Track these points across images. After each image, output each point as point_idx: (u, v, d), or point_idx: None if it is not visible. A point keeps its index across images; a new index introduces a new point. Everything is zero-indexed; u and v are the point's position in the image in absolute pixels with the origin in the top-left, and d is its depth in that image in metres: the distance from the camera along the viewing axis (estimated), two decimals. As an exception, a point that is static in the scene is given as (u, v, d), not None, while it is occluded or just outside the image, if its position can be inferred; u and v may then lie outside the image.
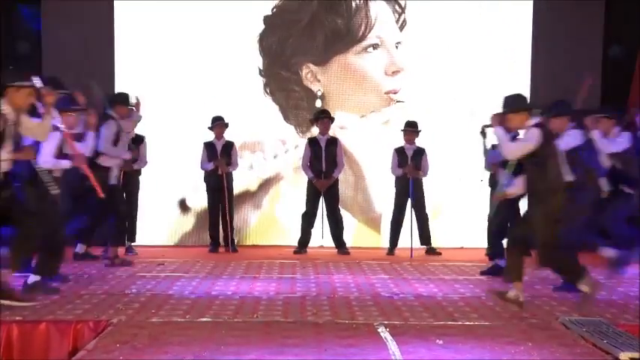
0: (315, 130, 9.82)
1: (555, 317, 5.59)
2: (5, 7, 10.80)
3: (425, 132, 9.57)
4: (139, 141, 9.19)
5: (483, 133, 7.58)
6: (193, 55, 10.23)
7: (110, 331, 5.02)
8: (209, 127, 9.50)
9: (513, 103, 5.97)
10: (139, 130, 9.09)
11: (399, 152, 9.49)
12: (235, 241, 9.75)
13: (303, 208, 9.63)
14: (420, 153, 9.47)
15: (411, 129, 9.42)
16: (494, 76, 10.23)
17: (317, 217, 9.63)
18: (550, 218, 5.78)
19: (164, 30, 10.27)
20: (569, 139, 6.71)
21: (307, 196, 9.57)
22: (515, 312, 5.80)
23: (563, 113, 6.81)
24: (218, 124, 9.45)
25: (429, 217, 9.61)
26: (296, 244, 9.62)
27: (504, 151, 6.05)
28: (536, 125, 5.84)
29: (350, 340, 4.80)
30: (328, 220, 9.58)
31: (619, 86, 10.26)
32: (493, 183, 8.19)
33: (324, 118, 9.56)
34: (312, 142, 9.58)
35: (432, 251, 9.46)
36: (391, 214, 9.59)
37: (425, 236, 9.50)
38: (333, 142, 9.57)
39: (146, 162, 9.33)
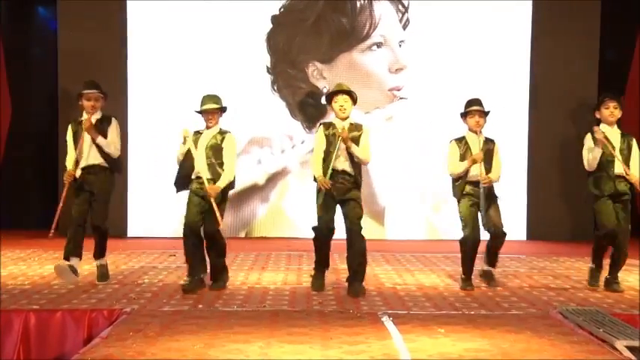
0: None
1: (553, 307, 5.56)
2: (24, 9, 10.81)
3: (427, 128, 9.53)
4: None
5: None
6: (203, 53, 10.20)
7: (123, 319, 5.01)
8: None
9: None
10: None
11: (461, 143, 6.37)
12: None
13: (310, 201, 9.49)
14: (489, 143, 6.33)
15: (479, 108, 6.29)
16: (494, 73, 10.21)
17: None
18: None
19: (175, 30, 10.25)
20: None
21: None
22: (514, 302, 5.78)
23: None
24: None
25: (436, 209, 9.41)
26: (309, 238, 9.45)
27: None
28: None
29: (355, 329, 4.78)
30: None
31: (615, 84, 10.22)
32: None
33: None
34: None
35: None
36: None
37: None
38: None
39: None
